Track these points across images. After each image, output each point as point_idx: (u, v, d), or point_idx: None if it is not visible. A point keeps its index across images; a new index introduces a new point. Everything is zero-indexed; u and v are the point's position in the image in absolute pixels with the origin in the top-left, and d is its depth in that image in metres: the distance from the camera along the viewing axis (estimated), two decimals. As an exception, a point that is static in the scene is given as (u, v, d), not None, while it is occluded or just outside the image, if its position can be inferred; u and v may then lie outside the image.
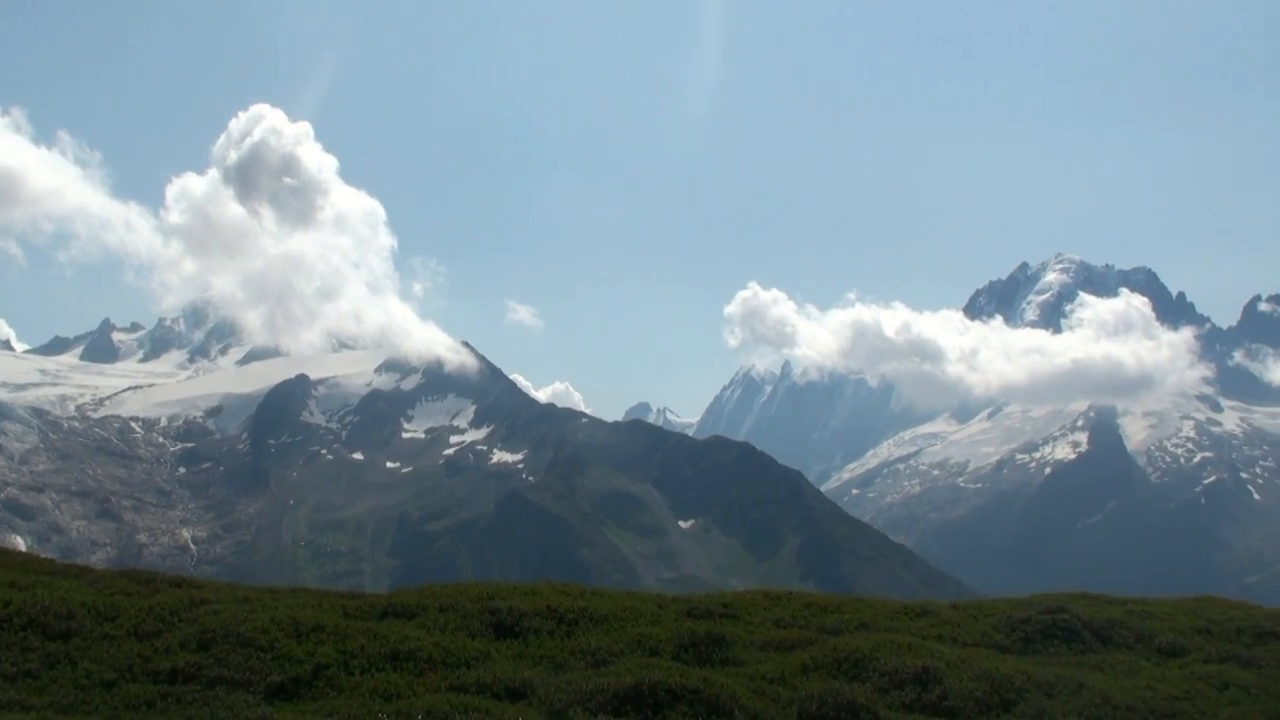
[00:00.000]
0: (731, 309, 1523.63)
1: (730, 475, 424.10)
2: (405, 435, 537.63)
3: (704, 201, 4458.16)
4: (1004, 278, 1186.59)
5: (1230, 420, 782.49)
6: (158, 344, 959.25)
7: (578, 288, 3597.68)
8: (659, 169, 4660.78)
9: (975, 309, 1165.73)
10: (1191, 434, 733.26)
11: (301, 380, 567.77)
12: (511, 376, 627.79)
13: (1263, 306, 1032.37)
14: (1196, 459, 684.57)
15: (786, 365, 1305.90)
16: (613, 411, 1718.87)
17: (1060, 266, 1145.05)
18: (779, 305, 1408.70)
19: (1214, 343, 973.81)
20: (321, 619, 29.74)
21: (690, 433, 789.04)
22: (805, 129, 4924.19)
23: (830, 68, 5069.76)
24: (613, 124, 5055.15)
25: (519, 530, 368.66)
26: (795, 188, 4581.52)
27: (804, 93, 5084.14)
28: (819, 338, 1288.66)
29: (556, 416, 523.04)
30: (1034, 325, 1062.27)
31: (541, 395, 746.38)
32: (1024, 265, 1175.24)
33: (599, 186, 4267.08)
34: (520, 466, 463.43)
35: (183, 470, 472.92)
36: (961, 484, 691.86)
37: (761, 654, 30.95)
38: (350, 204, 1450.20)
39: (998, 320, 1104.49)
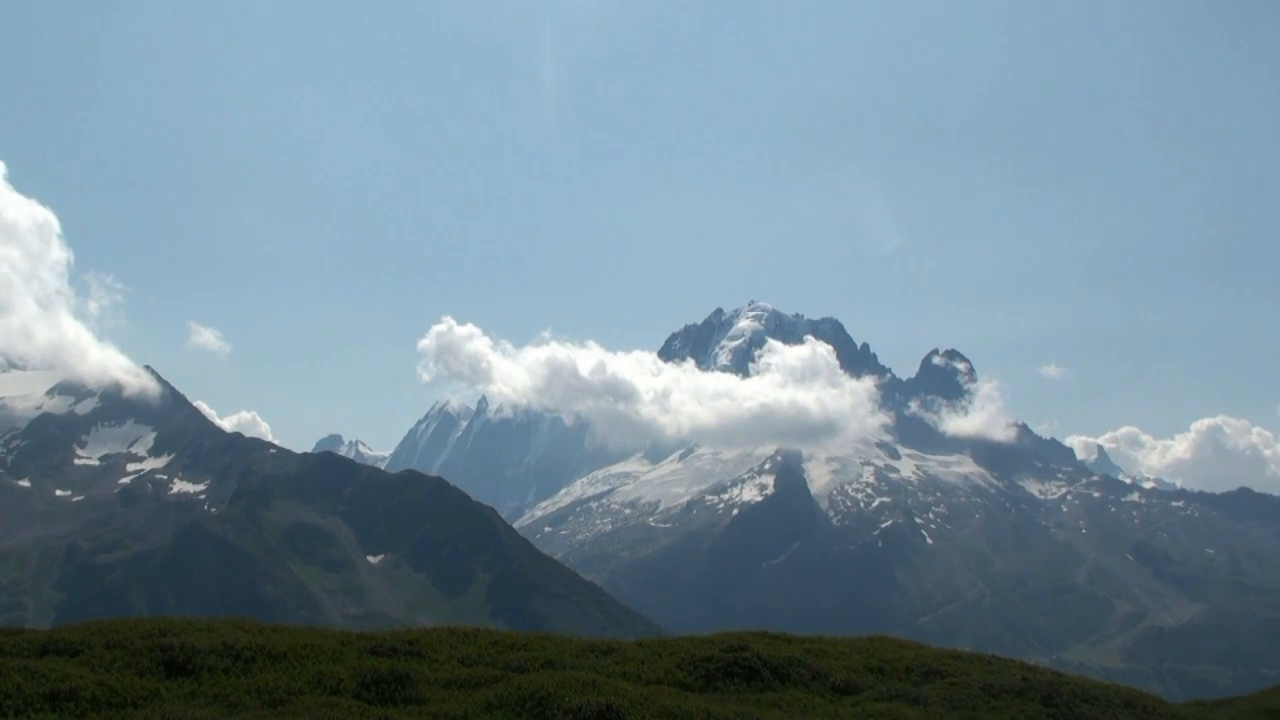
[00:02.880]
0: (426, 343, 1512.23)
1: (422, 510, 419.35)
2: (78, 462, 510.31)
3: (398, 233, 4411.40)
4: (699, 322, 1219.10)
5: (907, 467, 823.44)
6: None
7: (268, 313, 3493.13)
8: (354, 197, 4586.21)
9: (670, 352, 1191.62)
10: (871, 479, 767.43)
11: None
12: (195, 403, 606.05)
13: (937, 360, 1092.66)
14: (875, 504, 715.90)
15: (482, 401, 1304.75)
16: (302, 443, 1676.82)
17: (753, 314, 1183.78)
18: (474, 341, 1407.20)
19: (894, 392, 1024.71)
20: (-29, 656, 27.69)
21: (383, 466, 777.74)
22: (502, 165, 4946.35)
23: (530, 104, 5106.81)
24: (308, 148, 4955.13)
25: (198, 564, 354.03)
26: (491, 223, 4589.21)
27: (502, 128, 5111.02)
28: (514, 374, 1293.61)
29: (242, 446, 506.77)
30: (725, 370, 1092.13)
31: (227, 424, 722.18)
32: (719, 311, 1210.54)
33: (290, 211, 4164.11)
34: (202, 497, 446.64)
35: None
36: (652, 523, 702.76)
37: (446, 692, 30.45)
38: (19, 212, 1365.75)
39: (690, 363, 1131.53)
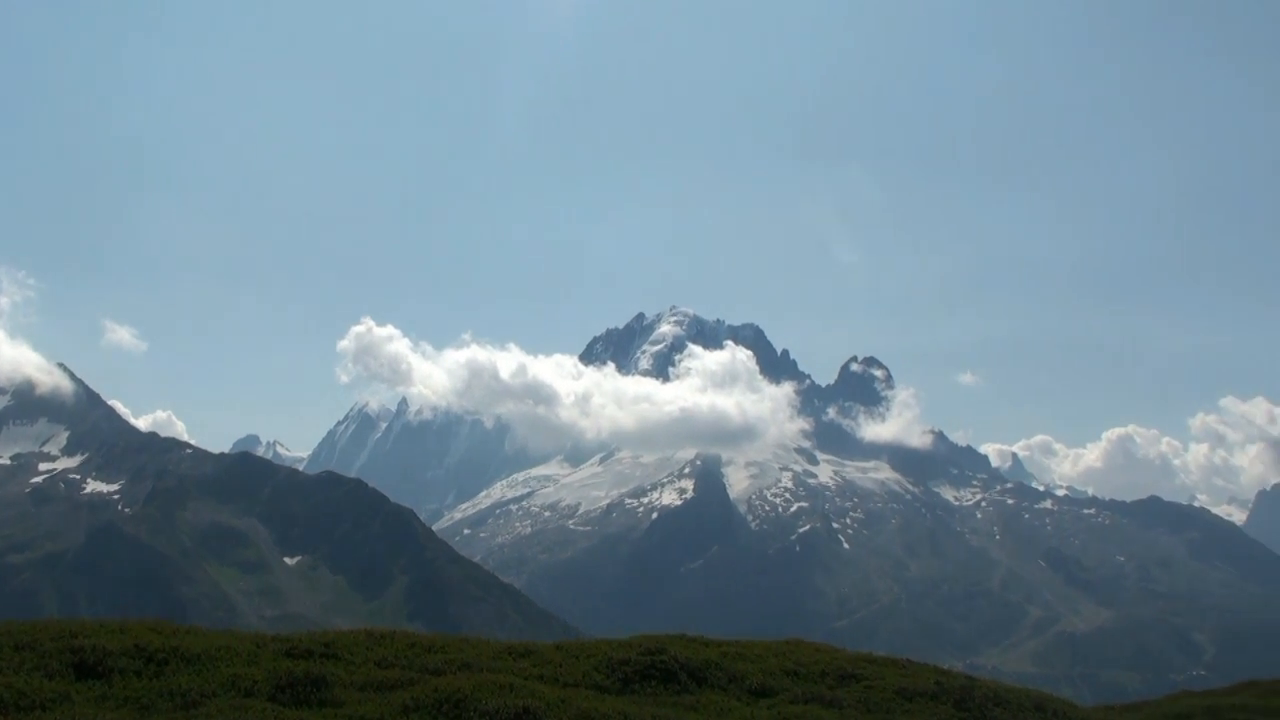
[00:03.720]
0: (345, 344, 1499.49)
1: (340, 512, 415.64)
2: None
3: (317, 232, 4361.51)
4: (621, 326, 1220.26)
5: (825, 473, 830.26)
6: None
7: (184, 312, 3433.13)
8: (274, 195, 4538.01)
9: (591, 355, 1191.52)
10: (789, 485, 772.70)
11: None
12: (110, 403, 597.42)
13: (855, 367, 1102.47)
14: (793, 508, 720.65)
15: (402, 403, 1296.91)
16: (219, 443, 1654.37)
17: (675, 319, 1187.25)
18: (393, 342, 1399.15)
19: (812, 398, 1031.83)
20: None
21: (301, 467, 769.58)
22: (424, 167, 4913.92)
23: (454, 107, 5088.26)
24: (227, 144, 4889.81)
25: (112, 565, 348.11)
26: (411, 224, 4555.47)
27: (425, 130, 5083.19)
28: (434, 376, 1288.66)
29: (158, 446, 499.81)
30: (646, 374, 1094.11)
31: (142, 423, 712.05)
32: (640, 315, 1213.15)
33: (209, 208, 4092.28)
34: (116, 497, 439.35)
35: None
36: (571, 526, 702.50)
37: (362, 695, 30.25)
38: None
39: (611, 367, 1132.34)
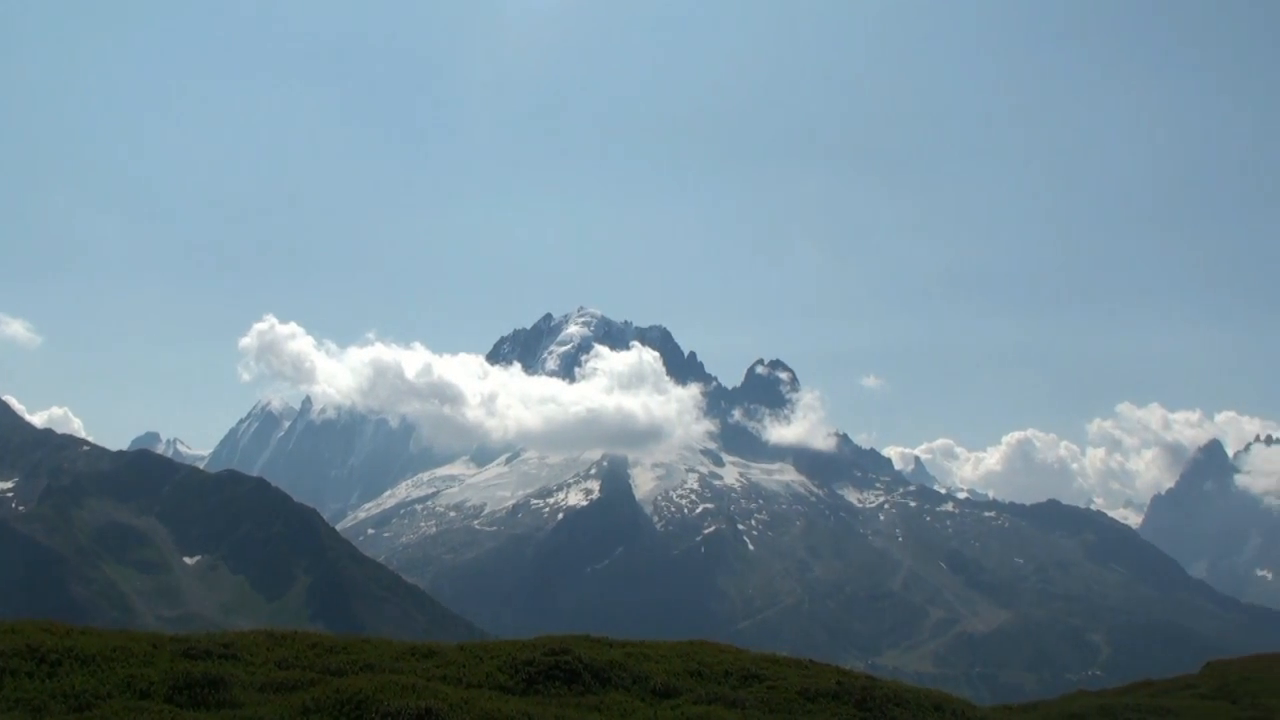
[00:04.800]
0: (247, 341, 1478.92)
1: (242, 511, 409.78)
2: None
3: (219, 226, 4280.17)
4: (528, 327, 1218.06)
5: (730, 474, 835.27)
6: None
7: (82, 305, 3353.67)
8: (174, 188, 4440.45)
9: (498, 355, 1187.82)
10: (695, 486, 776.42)
11: None
12: (4, 398, 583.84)
13: (761, 370, 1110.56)
14: (699, 510, 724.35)
15: (306, 401, 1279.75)
16: (117, 440, 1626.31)
17: (582, 319, 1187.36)
18: (296, 340, 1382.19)
19: (719, 400, 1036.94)
20: None
21: (202, 465, 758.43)
22: (327, 163, 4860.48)
23: (360, 102, 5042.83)
24: (129, 135, 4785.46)
25: (3, 564, 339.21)
26: (315, 221, 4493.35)
27: (330, 125, 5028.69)
28: (338, 375, 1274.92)
29: (53, 443, 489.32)
30: (553, 374, 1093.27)
31: (37, 419, 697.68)
32: (548, 316, 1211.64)
33: (107, 200, 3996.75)
34: (9, 495, 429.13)
35: None
36: (477, 526, 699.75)
37: (261, 696, 29.89)
38: None
39: (517, 367, 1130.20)
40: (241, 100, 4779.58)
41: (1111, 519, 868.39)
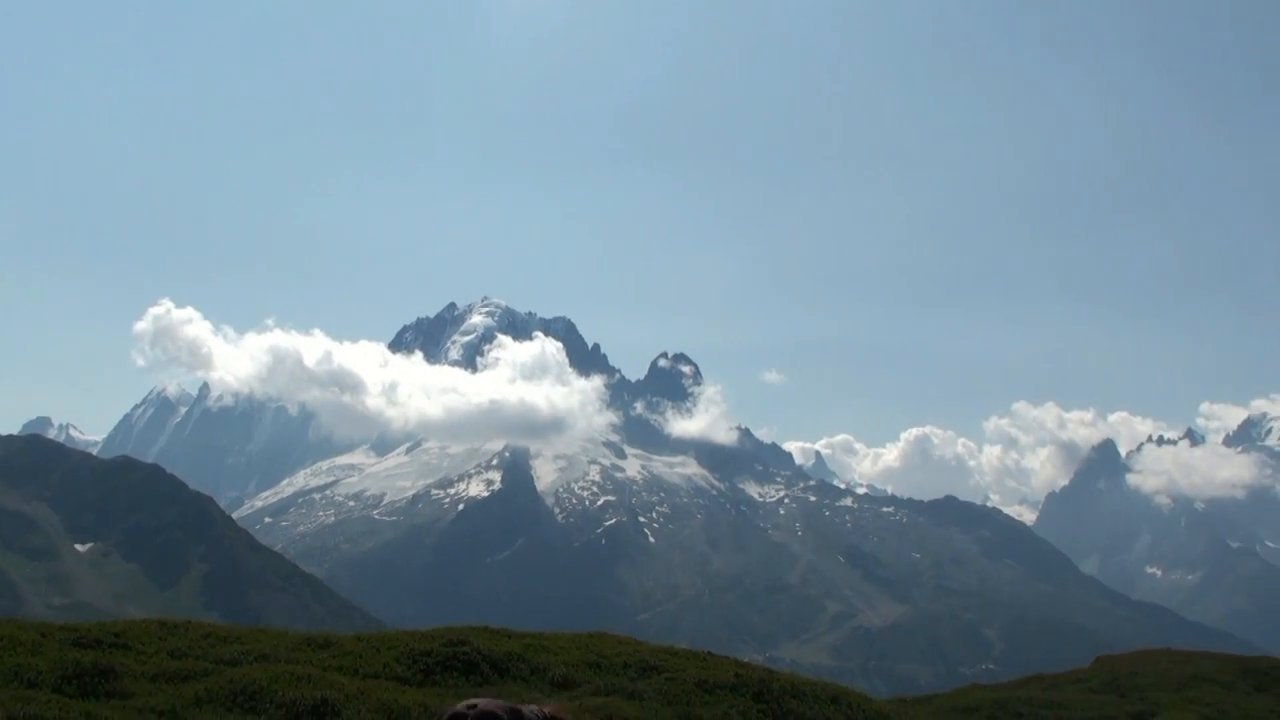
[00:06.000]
0: (142, 325, 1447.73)
1: (135, 498, 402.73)
2: None
3: (112, 208, 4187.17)
4: (432, 316, 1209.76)
5: (632, 467, 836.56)
6: None
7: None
8: (66, 167, 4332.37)
9: (400, 344, 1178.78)
10: (597, 478, 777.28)
11: None
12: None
13: (664, 363, 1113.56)
14: (600, 502, 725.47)
15: (203, 387, 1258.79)
16: (7, 424, 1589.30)
17: (486, 310, 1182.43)
18: (193, 324, 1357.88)
19: (621, 393, 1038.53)
20: None
21: (95, 451, 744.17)
22: (226, 145, 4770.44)
23: (264, 84, 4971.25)
24: (17, 111, 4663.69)
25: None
26: (214, 204, 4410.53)
27: (234, 106, 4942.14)
28: (236, 361, 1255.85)
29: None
30: (456, 364, 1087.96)
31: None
32: (452, 305, 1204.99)
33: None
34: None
35: None
36: (376, 516, 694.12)
37: (153, 685, 29.40)
38: None
39: (419, 356, 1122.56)
40: (141, 82, 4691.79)
41: (1007, 515, 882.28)
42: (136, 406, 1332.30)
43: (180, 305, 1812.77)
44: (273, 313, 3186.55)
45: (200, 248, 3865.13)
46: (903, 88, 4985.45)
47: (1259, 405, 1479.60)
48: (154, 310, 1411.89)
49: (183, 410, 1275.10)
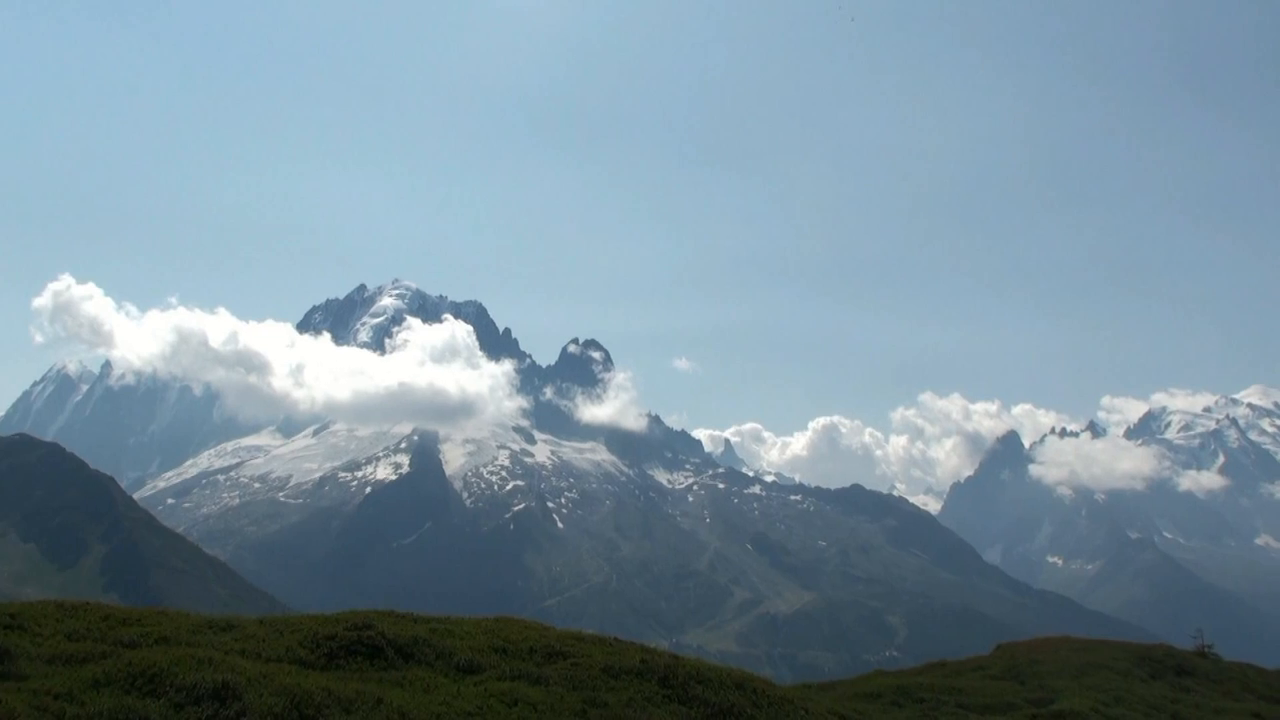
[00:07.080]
0: (41, 301, 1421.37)
1: (33, 477, 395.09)
2: None
3: (12, 179, 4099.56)
4: (341, 297, 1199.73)
5: (542, 452, 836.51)
6: None
7: None
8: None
9: (308, 325, 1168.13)
10: (506, 463, 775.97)
11: None
12: None
13: (574, 349, 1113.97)
14: (509, 487, 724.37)
15: (105, 365, 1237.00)
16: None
17: (396, 292, 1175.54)
18: (94, 301, 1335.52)
19: (532, 378, 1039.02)
20: None
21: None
22: (131, 118, 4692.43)
23: (170, 56, 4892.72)
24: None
25: None
26: (118, 178, 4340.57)
27: (136, 81, 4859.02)
28: (139, 339, 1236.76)
29: None
30: (365, 346, 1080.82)
31: None
32: (362, 287, 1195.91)
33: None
34: None
35: None
36: (282, 499, 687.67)
37: (49, 668, 28.85)
38: None
39: (327, 337, 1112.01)
40: (39, 40, 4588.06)
41: (912, 505, 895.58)
42: (35, 384, 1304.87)
43: (81, 281, 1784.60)
44: (176, 290, 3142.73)
45: (102, 223, 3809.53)
46: (815, 79, 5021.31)
47: (1159, 399, 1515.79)
48: (54, 286, 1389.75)
49: (84, 388, 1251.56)
